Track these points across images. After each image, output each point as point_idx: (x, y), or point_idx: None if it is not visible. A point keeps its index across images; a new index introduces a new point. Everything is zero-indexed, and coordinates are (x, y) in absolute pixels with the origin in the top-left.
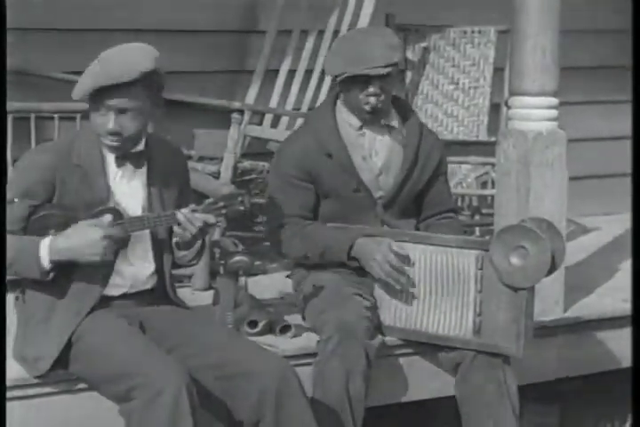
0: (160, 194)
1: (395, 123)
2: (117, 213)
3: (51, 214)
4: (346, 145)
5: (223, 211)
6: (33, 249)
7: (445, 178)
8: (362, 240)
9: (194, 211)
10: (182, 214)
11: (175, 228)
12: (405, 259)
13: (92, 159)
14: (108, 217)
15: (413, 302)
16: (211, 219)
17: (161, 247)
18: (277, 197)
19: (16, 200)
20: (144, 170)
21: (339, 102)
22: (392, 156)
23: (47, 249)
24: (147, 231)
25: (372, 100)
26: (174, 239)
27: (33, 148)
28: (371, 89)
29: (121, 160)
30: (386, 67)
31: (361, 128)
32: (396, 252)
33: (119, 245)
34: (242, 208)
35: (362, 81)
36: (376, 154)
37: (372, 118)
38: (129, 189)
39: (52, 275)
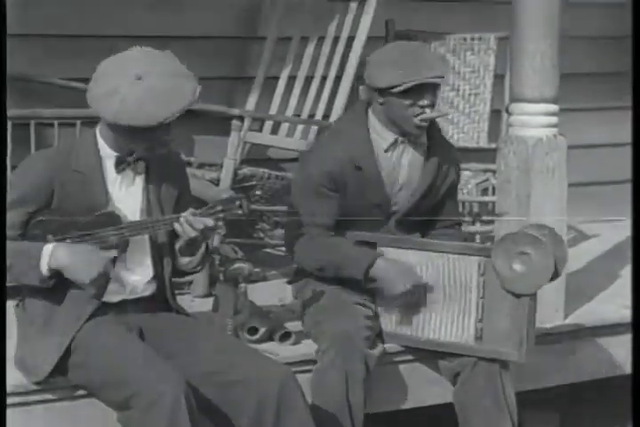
0: (158, 200)
1: (423, 138)
2: (115, 218)
3: (49, 220)
4: (377, 159)
5: (221, 215)
6: (34, 254)
7: (456, 192)
8: (381, 261)
9: (193, 215)
10: (183, 218)
11: (179, 232)
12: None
13: (91, 165)
14: (113, 252)
15: (414, 308)
16: (209, 222)
17: (160, 253)
18: (302, 204)
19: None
20: (142, 176)
21: (370, 115)
22: (413, 172)
23: (49, 254)
24: (146, 237)
25: (428, 110)
26: (177, 245)
27: (32, 154)
28: (425, 100)
29: (121, 166)
30: (442, 77)
31: (395, 143)
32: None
33: (106, 280)
34: (240, 212)
35: (417, 92)
36: (400, 169)
37: (418, 133)
38: (127, 195)
39: (51, 282)
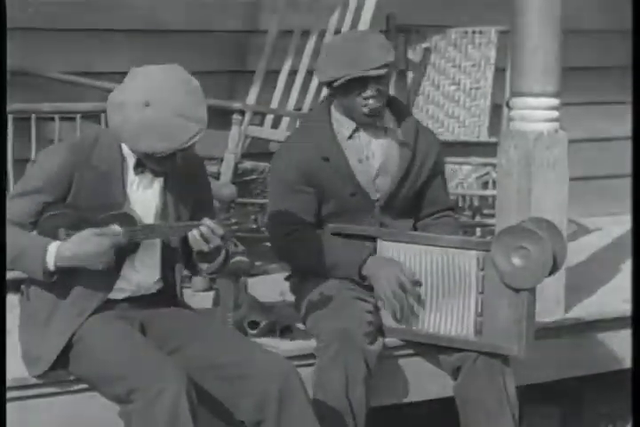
0: (175, 204)
1: (390, 124)
2: (130, 219)
3: (63, 213)
4: (342, 149)
5: (235, 227)
6: (39, 252)
7: (443, 176)
8: (373, 260)
9: (208, 227)
10: (197, 232)
11: (191, 241)
12: (416, 283)
13: (112, 163)
14: (116, 227)
15: (415, 302)
16: (219, 231)
17: (171, 256)
18: (280, 203)
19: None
20: (162, 179)
21: (333, 106)
22: (389, 157)
23: (53, 254)
24: (157, 240)
25: (372, 102)
26: (193, 255)
27: (55, 144)
28: (369, 91)
29: (140, 168)
30: (382, 67)
31: (356, 131)
32: (409, 277)
33: (123, 253)
34: (254, 226)
35: (359, 84)
36: (373, 156)
37: (369, 121)
38: (144, 197)
39: (55, 277)
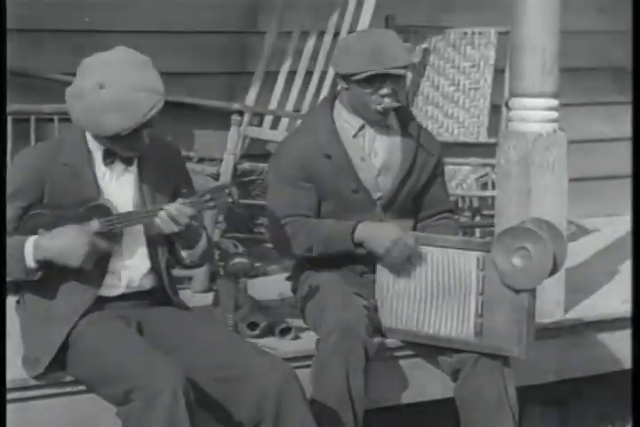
0: (152, 192)
1: (393, 124)
2: (106, 210)
3: (41, 214)
4: (345, 146)
5: (211, 204)
6: (18, 248)
7: (443, 179)
8: (364, 224)
9: (182, 204)
10: (164, 212)
11: (162, 225)
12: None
13: (80, 159)
14: (95, 223)
15: (414, 303)
16: (188, 211)
17: (156, 245)
18: (278, 198)
19: None
20: (134, 168)
21: (337, 102)
22: (391, 156)
23: (32, 247)
24: (141, 229)
25: (387, 100)
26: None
27: (23, 149)
28: (385, 90)
29: (109, 159)
30: (404, 68)
31: (361, 129)
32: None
33: (100, 254)
34: (230, 200)
35: (378, 80)
36: (375, 155)
37: (379, 119)
38: (118, 188)
39: (39, 274)
